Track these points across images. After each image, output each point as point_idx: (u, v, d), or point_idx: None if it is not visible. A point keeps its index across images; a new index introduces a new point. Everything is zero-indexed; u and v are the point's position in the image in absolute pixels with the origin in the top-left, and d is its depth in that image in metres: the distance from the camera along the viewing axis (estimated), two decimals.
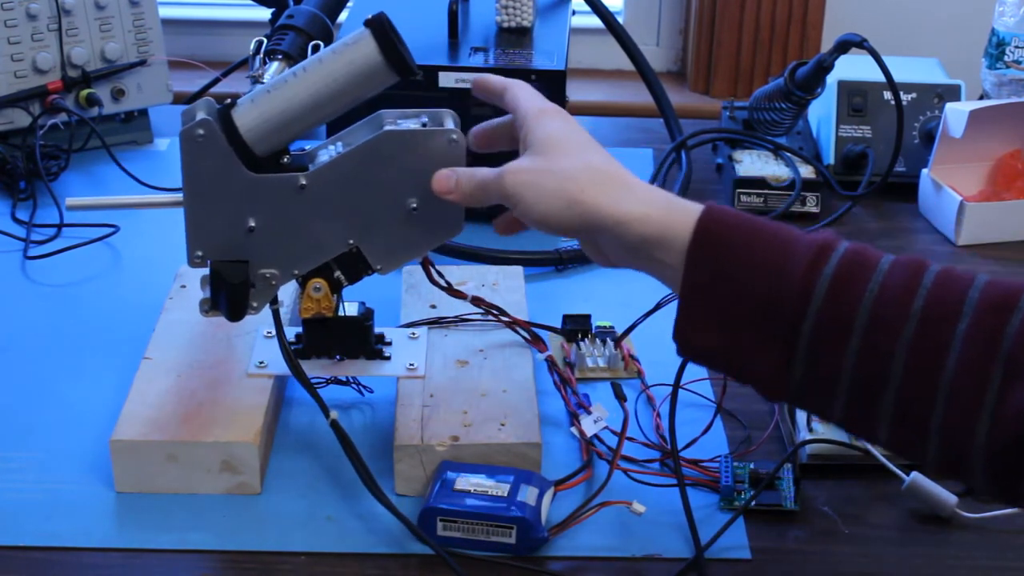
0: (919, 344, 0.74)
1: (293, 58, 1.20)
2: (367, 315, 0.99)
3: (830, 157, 1.40)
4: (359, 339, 0.99)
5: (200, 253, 0.92)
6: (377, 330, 1.01)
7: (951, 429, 0.73)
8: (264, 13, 1.48)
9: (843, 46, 1.30)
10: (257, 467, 0.92)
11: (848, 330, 0.75)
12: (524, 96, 0.89)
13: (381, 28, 0.87)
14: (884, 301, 0.75)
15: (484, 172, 0.86)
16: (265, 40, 1.21)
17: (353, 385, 1.02)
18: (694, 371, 1.00)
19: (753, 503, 0.91)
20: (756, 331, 0.77)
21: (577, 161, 0.83)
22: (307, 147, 0.95)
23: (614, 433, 0.95)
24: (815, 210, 1.35)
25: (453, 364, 1.01)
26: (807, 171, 1.36)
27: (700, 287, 0.78)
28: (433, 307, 1.08)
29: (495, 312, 1.03)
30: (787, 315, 0.76)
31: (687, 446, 0.95)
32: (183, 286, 1.10)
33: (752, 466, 0.94)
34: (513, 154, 0.87)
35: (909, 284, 0.75)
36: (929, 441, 0.74)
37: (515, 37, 1.35)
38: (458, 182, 0.88)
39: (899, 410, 0.75)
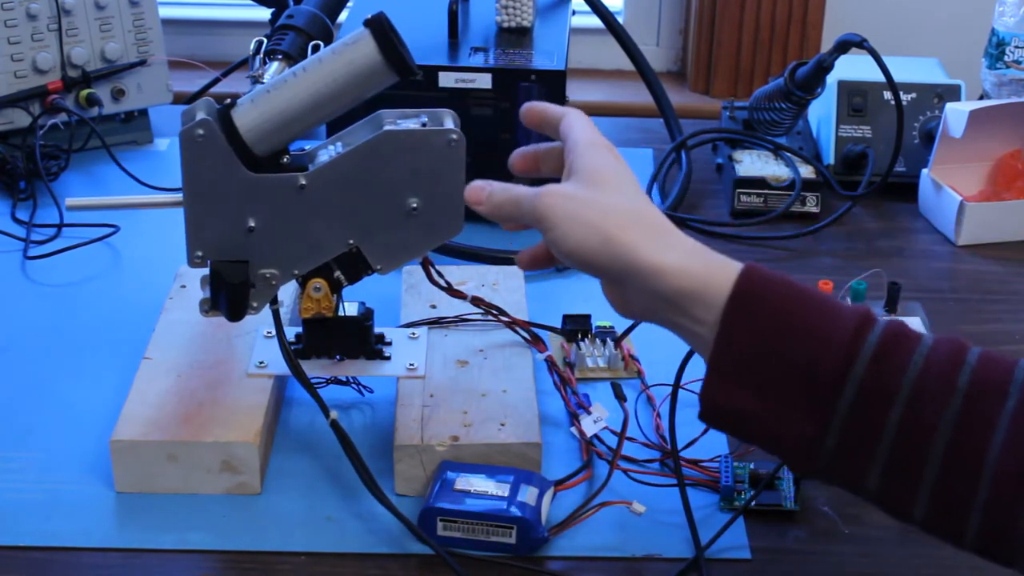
0: (964, 420, 0.72)
1: (293, 58, 1.20)
2: (367, 315, 0.99)
3: (830, 157, 1.40)
4: (359, 339, 0.99)
5: (200, 253, 0.92)
6: (377, 330, 1.01)
7: (995, 510, 0.71)
8: (264, 13, 1.48)
9: (843, 46, 1.30)
10: (257, 467, 0.92)
11: (890, 401, 0.72)
12: (580, 125, 0.86)
13: (381, 28, 0.87)
14: (929, 374, 0.73)
15: (521, 188, 0.83)
16: (265, 40, 1.21)
17: (353, 385, 1.02)
18: (694, 371, 1.00)
19: (753, 503, 0.91)
20: (791, 396, 0.74)
21: (622, 199, 0.80)
22: (307, 147, 0.95)
23: (614, 433, 0.95)
24: (815, 210, 1.35)
25: (453, 364, 1.01)
26: (807, 171, 1.36)
27: (735, 346, 0.75)
28: (433, 307, 1.08)
29: (495, 312, 1.03)
30: (827, 381, 0.73)
31: (687, 446, 0.95)
32: (183, 286, 1.10)
33: (752, 466, 0.94)
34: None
35: (954, 359, 0.73)
36: (969, 521, 0.72)
37: (515, 37, 1.35)
38: (491, 194, 0.84)
39: (940, 488, 0.72)
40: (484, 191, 0.85)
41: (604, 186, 0.80)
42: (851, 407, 0.73)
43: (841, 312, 0.75)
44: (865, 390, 0.73)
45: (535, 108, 0.89)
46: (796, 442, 0.75)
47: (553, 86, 1.26)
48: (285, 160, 0.91)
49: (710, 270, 0.77)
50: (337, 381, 1.01)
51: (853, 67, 1.39)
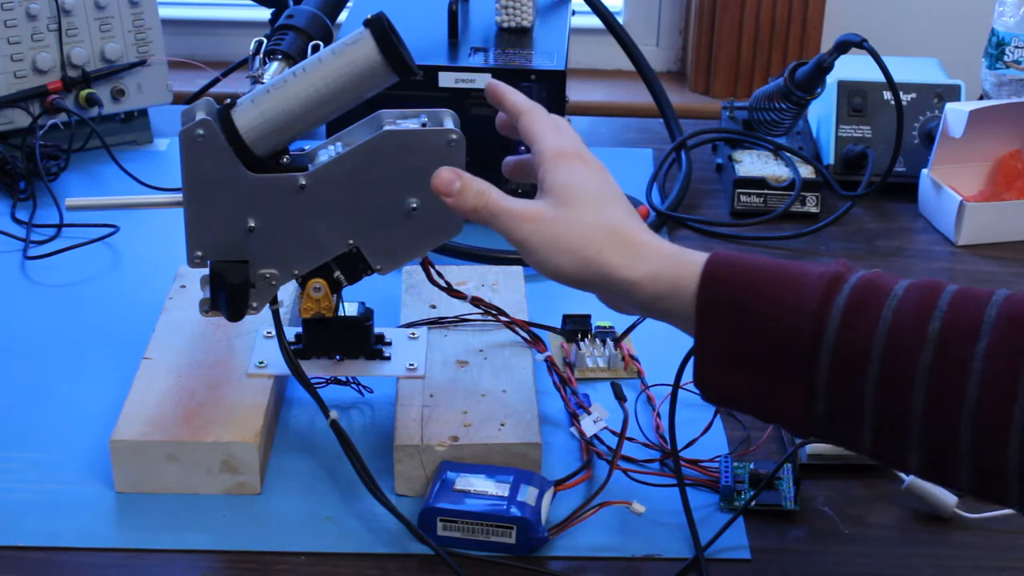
0: (938, 368, 0.72)
1: (293, 58, 1.20)
2: (367, 315, 0.99)
3: (830, 157, 1.40)
4: (359, 339, 0.99)
5: (200, 253, 0.92)
6: (377, 330, 1.01)
7: (981, 453, 0.72)
8: (264, 13, 1.48)
9: (843, 46, 1.30)
10: (257, 467, 0.92)
11: (865, 359, 0.73)
12: (540, 129, 0.87)
13: (381, 28, 0.87)
14: (899, 327, 0.73)
15: (496, 200, 0.84)
16: (265, 40, 1.21)
17: (353, 385, 1.02)
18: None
19: (753, 503, 0.91)
20: (775, 369, 0.76)
21: (595, 218, 0.82)
22: (307, 147, 0.95)
23: (614, 433, 0.95)
24: (815, 210, 1.35)
25: (453, 364, 1.01)
26: (807, 171, 1.36)
27: (713, 332, 0.77)
28: (433, 307, 1.08)
29: (495, 312, 1.03)
30: (803, 350, 0.75)
31: (687, 446, 0.95)
32: (183, 286, 1.10)
33: (752, 466, 0.94)
34: None
35: (924, 307, 0.74)
36: (960, 467, 0.73)
37: (515, 37, 1.35)
38: (462, 190, 0.85)
39: (927, 438, 0.73)
40: (454, 184, 0.85)
41: (575, 204, 0.83)
42: (830, 372, 0.74)
43: (808, 279, 0.76)
44: (839, 353, 0.74)
45: (497, 88, 0.91)
46: (790, 412, 0.77)
47: (553, 86, 1.26)
48: (285, 160, 0.91)
49: (678, 268, 0.80)
50: (337, 381, 1.01)
51: (853, 67, 1.39)
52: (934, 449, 0.73)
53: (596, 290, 0.84)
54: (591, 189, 0.84)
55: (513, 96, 0.90)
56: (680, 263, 0.80)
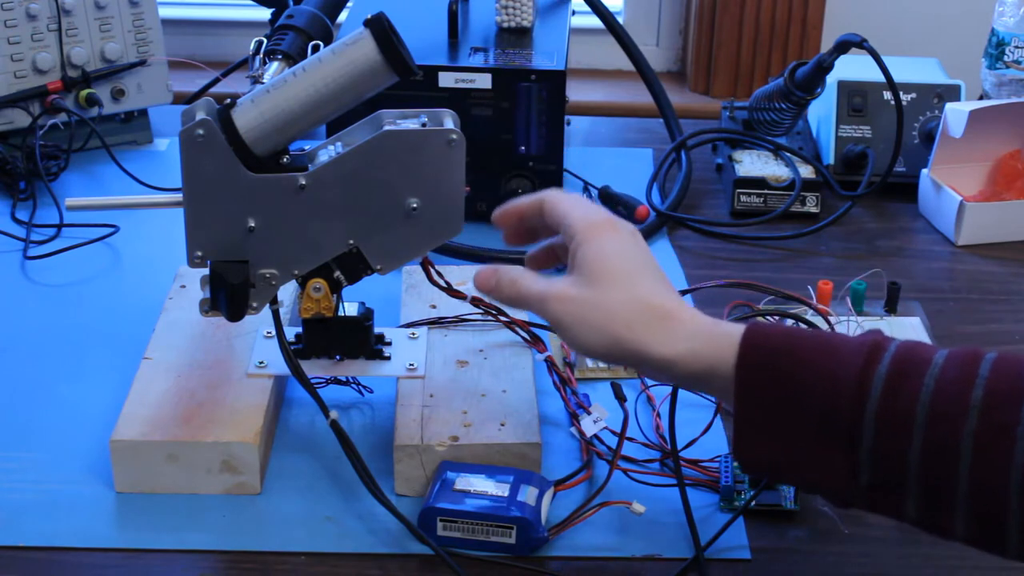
0: (983, 436, 0.72)
1: (293, 58, 1.20)
2: (367, 315, 0.99)
3: (830, 157, 1.40)
4: (359, 339, 0.99)
5: (200, 253, 0.92)
6: (377, 330, 1.01)
7: None
8: (264, 13, 1.48)
9: (843, 46, 1.30)
10: (257, 467, 0.92)
11: (908, 429, 0.73)
12: (567, 206, 0.87)
13: (380, 28, 0.87)
14: (942, 395, 0.73)
15: (528, 285, 0.85)
16: (265, 40, 1.21)
17: (353, 385, 1.02)
18: None
19: (753, 503, 0.91)
20: (816, 441, 0.75)
21: (625, 294, 0.81)
22: (307, 147, 0.95)
23: (614, 433, 0.95)
24: (815, 210, 1.35)
25: (453, 364, 1.01)
26: (807, 171, 1.36)
27: (753, 408, 0.77)
28: (433, 307, 1.08)
29: (495, 312, 1.03)
30: (844, 421, 0.74)
31: (687, 446, 0.95)
32: (183, 286, 1.10)
33: None
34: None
35: (966, 375, 0.73)
36: (1008, 534, 0.72)
37: (515, 37, 1.35)
38: (498, 285, 0.86)
39: (974, 506, 0.73)
40: (491, 280, 0.87)
41: (605, 282, 0.82)
42: (874, 443, 0.74)
43: (848, 350, 0.76)
44: (883, 425, 0.74)
45: (508, 211, 0.91)
46: (831, 483, 0.76)
47: (553, 86, 1.26)
48: (285, 160, 0.91)
49: (716, 346, 0.78)
50: (337, 381, 1.01)
51: (853, 67, 1.39)
52: (982, 517, 0.73)
53: (629, 365, 0.84)
54: (622, 263, 0.83)
55: (522, 200, 0.90)
56: (717, 336, 0.79)
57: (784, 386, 0.76)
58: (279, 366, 0.96)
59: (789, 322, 0.96)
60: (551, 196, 0.88)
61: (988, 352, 0.75)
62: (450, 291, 1.01)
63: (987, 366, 0.74)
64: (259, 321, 1.01)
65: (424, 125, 0.92)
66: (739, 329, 0.79)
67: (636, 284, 0.82)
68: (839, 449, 0.75)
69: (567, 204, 0.87)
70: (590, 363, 1.07)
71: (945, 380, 0.73)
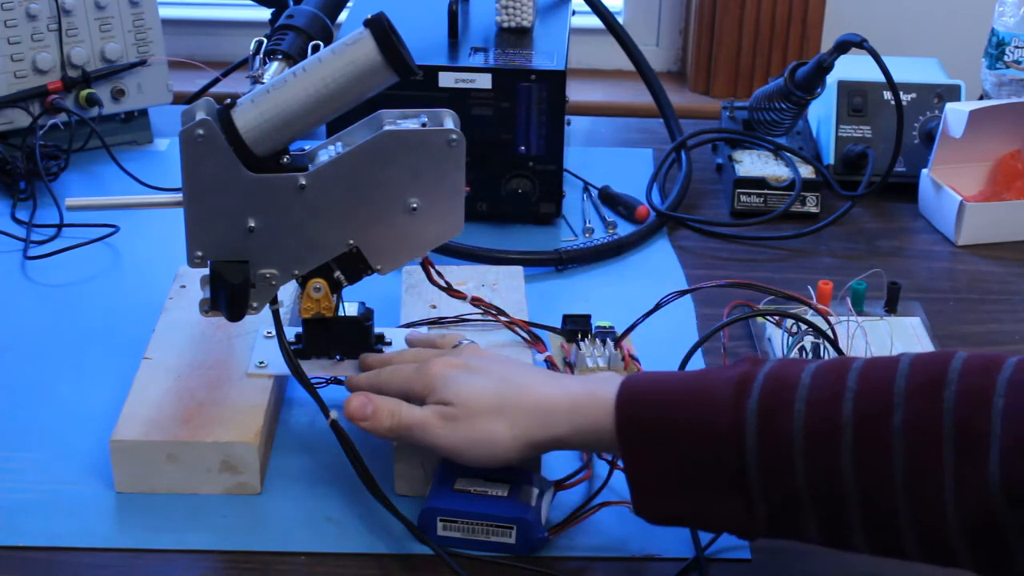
0: (860, 449, 0.73)
1: (293, 58, 1.20)
2: (367, 315, 0.99)
3: (830, 157, 1.40)
4: (359, 339, 0.99)
5: (200, 253, 0.92)
6: (377, 330, 1.01)
7: (921, 524, 0.72)
8: (264, 13, 1.48)
9: (843, 46, 1.30)
10: (257, 467, 0.92)
11: (789, 456, 0.75)
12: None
13: (381, 28, 0.87)
14: (813, 417, 0.74)
15: (406, 414, 0.87)
16: (265, 40, 1.21)
17: None
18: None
19: None
20: (709, 488, 0.78)
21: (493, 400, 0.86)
22: (307, 147, 0.95)
23: None
24: (815, 210, 1.35)
25: None
26: (807, 171, 1.36)
27: (641, 468, 0.79)
28: (433, 307, 1.08)
29: (495, 312, 1.03)
30: (729, 463, 0.76)
31: None
32: (183, 286, 1.10)
33: None
34: None
35: (833, 392, 0.75)
36: (904, 540, 0.74)
37: (515, 37, 1.35)
38: (375, 412, 0.88)
39: (867, 518, 0.74)
40: (367, 408, 0.88)
41: (473, 413, 0.86)
42: (760, 477, 0.76)
43: (717, 389, 0.78)
44: (764, 458, 0.75)
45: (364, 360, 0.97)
46: (732, 522, 0.78)
47: (553, 86, 1.26)
48: (285, 160, 0.91)
49: (594, 418, 0.82)
50: (337, 381, 1.01)
51: (853, 67, 1.39)
52: (876, 528, 0.74)
53: (538, 453, 0.88)
54: (478, 401, 0.86)
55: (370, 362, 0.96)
56: (592, 407, 0.82)
57: (665, 443, 0.78)
58: (279, 366, 0.96)
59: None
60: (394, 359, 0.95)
61: (855, 361, 0.76)
62: (450, 291, 1.01)
63: (854, 376, 0.75)
64: (259, 321, 1.01)
65: (424, 125, 0.92)
66: (611, 392, 0.81)
67: (500, 410, 0.85)
68: (731, 491, 0.77)
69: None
70: (590, 363, 1.06)
71: (814, 401, 0.75)
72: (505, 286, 1.12)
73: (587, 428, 0.82)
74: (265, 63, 1.19)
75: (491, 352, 0.95)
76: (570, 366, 1.04)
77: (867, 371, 0.75)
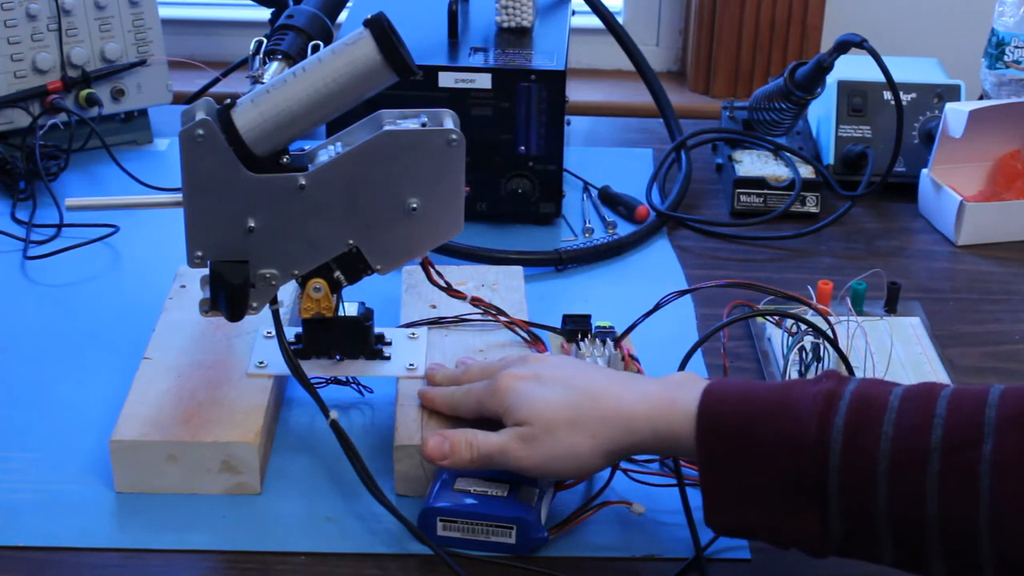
0: (947, 478, 0.73)
1: (293, 58, 1.20)
2: (367, 315, 0.99)
3: (830, 157, 1.40)
4: (359, 339, 0.99)
5: (200, 253, 0.92)
6: (377, 330, 1.01)
7: (1003, 559, 0.72)
8: (264, 13, 1.48)
9: (843, 46, 1.30)
10: (257, 467, 0.92)
11: (872, 478, 0.74)
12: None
13: (380, 28, 0.87)
14: (901, 442, 0.74)
15: (482, 441, 0.87)
16: (265, 40, 1.21)
17: (353, 385, 1.02)
18: (694, 371, 1.00)
19: None
20: (784, 502, 0.77)
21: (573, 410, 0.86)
22: (307, 147, 0.95)
23: None
24: (815, 210, 1.35)
25: (453, 364, 1.01)
26: (807, 171, 1.36)
27: (718, 477, 0.79)
28: (433, 307, 1.08)
29: (494, 312, 1.03)
30: (809, 479, 0.76)
31: None
32: (183, 286, 1.10)
33: None
34: None
35: (923, 417, 0.74)
36: (984, 571, 0.73)
37: (515, 37, 1.35)
38: (452, 448, 0.87)
39: (947, 547, 0.73)
40: (444, 447, 0.88)
41: (551, 429, 0.86)
42: (840, 495, 0.75)
43: (803, 404, 0.77)
44: (846, 477, 0.75)
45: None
46: (806, 538, 0.78)
47: (553, 86, 1.26)
48: (285, 160, 0.91)
49: (673, 421, 0.82)
50: (337, 381, 1.01)
51: (853, 67, 1.39)
52: (956, 556, 0.73)
53: (620, 459, 0.88)
54: (554, 413, 0.86)
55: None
56: (673, 413, 0.82)
57: (745, 453, 0.78)
58: (279, 366, 0.96)
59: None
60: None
61: (943, 388, 0.76)
62: (450, 291, 1.01)
63: (943, 404, 0.75)
64: (259, 321, 1.01)
65: (424, 125, 0.92)
66: (693, 398, 0.81)
67: (578, 391, 0.86)
68: (808, 506, 0.76)
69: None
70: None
71: (903, 425, 0.74)
72: (505, 286, 1.12)
73: (667, 434, 0.82)
74: (265, 63, 1.19)
75: (559, 357, 0.94)
76: None
77: (957, 399, 0.75)
